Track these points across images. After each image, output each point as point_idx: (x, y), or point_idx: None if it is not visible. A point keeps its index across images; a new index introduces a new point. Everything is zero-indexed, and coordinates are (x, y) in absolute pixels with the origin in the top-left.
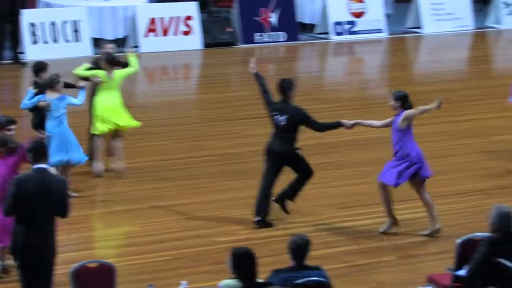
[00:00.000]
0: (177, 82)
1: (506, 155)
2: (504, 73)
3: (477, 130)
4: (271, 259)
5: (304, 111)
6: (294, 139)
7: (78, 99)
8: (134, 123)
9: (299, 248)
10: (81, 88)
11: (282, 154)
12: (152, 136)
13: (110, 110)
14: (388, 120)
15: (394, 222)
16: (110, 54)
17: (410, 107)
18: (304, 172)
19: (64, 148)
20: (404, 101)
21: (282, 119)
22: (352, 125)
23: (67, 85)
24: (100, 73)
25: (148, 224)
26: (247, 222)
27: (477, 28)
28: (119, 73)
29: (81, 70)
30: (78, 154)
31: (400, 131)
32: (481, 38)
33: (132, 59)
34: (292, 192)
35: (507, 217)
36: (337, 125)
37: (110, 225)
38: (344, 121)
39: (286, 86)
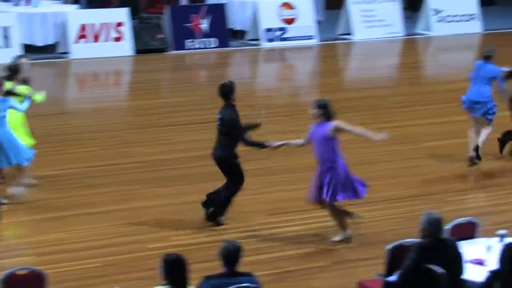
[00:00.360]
0: (108, 88)
1: (436, 161)
2: (434, 80)
3: (407, 137)
4: (202, 265)
5: (235, 118)
6: (229, 144)
7: (23, 105)
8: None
9: (231, 255)
10: (28, 96)
11: (216, 159)
12: (82, 142)
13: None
14: (307, 134)
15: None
16: (12, 67)
17: (332, 115)
18: (231, 183)
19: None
20: (326, 109)
21: (218, 120)
22: (278, 146)
23: (10, 93)
24: (23, 89)
25: (77, 231)
26: (178, 228)
27: (407, 35)
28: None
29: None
30: (19, 156)
31: (329, 140)
32: (411, 45)
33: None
34: (217, 201)
35: (437, 223)
36: (261, 145)
37: (39, 232)
38: (270, 142)
39: (225, 91)
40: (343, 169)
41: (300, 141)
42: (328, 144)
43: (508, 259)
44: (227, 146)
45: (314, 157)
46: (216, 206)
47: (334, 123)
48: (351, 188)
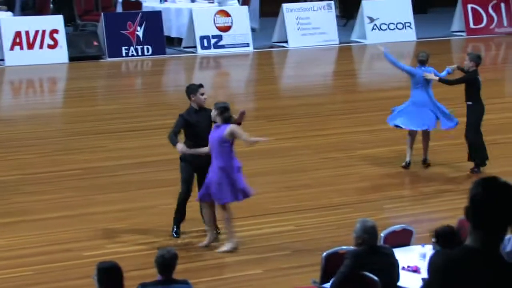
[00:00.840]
0: (43, 95)
1: (371, 168)
2: (368, 88)
3: (342, 144)
4: (138, 273)
5: (180, 114)
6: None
7: None
8: None
9: (166, 262)
10: None
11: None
12: (17, 149)
13: None
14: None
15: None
16: None
17: (228, 119)
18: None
19: None
20: (222, 112)
21: None
22: (187, 152)
23: None
24: None
25: (12, 238)
26: (114, 236)
27: (342, 43)
28: None
29: None
30: None
31: (224, 142)
32: (346, 53)
33: None
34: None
35: (372, 230)
36: (174, 143)
37: None
38: (180, 145)
39: (186, 91)
40: (236, 172)
41: (206, 149)
42: (223, 147)
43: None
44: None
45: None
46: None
47: (230, 126)
48: (235, 192)
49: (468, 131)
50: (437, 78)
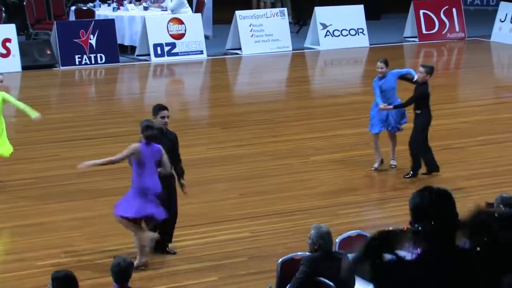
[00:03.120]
0: None
1: (325, 174)
2: (322, 94)
3: (297, 150)
4: (92, 281)
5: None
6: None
7: None
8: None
9: (122, 270)
10: None
11: None
12: None
13: None
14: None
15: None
16: None
17: (150, 137)
18: None
19: None
20: (143, 131)
21: None
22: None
23: None
24: None
25: None
26: (68, 245)
27: (296, 49)
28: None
29: None
30: None
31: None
32: (299, 59)
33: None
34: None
35: (326, 236)
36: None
37: None
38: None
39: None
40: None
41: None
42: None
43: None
44: None
45: None
46: None
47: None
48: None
49: (413, 139)
50: (391, 107)
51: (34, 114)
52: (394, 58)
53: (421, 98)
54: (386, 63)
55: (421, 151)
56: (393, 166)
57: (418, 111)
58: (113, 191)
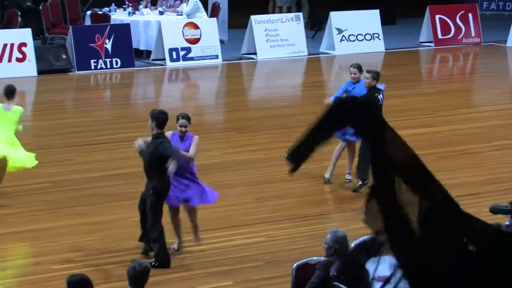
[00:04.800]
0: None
1: (341, 179)
2: None
3: (312, 155)
4: (107, 285)
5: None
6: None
7: None
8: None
9: (138, 275)
10: None
11: None
12: None
13: None
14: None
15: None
16: (11, 86)
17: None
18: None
19: None
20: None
21: None
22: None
23: None
24: None
25: None
26: (83, 249)
27: (311, 54)
28: (18, 109)
29: None
30: None
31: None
32: (314, 64)
33: None
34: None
35: (342, 240)
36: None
37: None
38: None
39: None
40: None
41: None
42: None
43: None
44: None
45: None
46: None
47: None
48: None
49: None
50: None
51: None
52: (409, 63)
53: None
54: (359, 68)
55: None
56: (347, 180)
57: None
58: (128, 195)
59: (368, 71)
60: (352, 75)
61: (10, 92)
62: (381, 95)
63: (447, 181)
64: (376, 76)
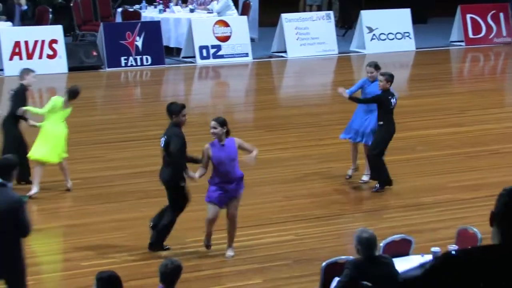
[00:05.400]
0: (42, 105)
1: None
2: None
3: (341, 154)
4: (136, 282)
5: (175, 135)
6: (172, 164)
7: None
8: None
9: (170, 273)
10: None
11: (161, 180)
12: None
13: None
14: (206, 153)
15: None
16: (78, 90)
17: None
18: (172, 207)
19: None
20: (227, 127)
21: (162, 141)
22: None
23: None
24: (58, 100)
25: None
26: (112, 245)
27: (341, 53)
28: (69, 110)
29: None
30: None
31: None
32: (345, 62)
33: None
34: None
35: (365, 241)
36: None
37: None
38: (192, 174)
39: (169, 110)
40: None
41: (203, 170)
42: (236, 160)
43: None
44: (169, 166)
45: (222, 174)
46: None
47: (236, 139)
48: None
49: (372, 149)
50: (347, 96)
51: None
52: (440, 62)
53: (382, 106)
54: (376, 67)
55: (380, 161)
56: (361, 181)
57: (381, 123)
58: (157, 193)
59: (382, 74)
60: (369, 74)
61: (75, 94)
62: (394, 99)
63: (477, 181)
64: (390, 78)
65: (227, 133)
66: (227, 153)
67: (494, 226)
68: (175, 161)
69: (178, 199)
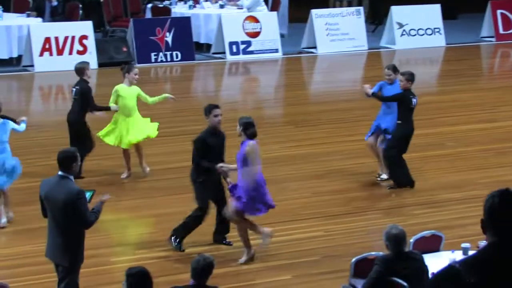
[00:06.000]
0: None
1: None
2: None
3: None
4: (166, 278)
5: (197, 138)
6: (196, 163)
7: (21, 126)
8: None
9: (201, 269)
10: (23, 120)
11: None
12: (47, 155)
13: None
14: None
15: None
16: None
17: (252, 135)
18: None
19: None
20: (245, 128)
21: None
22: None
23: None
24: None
25: (41, 244)
26: (141, 241)
27: (371, 48)
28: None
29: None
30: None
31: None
32: (375, 58)
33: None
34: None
35: (394, 238)
36: (211, 166)
37: (3, 245)
38: (220, 165)
39: (204, 110)
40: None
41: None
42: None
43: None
44: (194, 167)
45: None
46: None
47: (247, 146)
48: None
49: (389, 148)
50: (370, 92)
51: (163, 98)
52: (470, 58)
53: (400, 104)
54: (394, 69)
55: (396, 161)
56: (378, 179)
57: (399, 122)
58: (186, 189)
59: (402, 73)
60: (387, 77)
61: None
62: (415, 99)
63: (507, 177)
64: (410, 77)
65: (248, 136)
66: (238, 154)
67: (487, 233)
68: (194, 160)
69: (197, 196)
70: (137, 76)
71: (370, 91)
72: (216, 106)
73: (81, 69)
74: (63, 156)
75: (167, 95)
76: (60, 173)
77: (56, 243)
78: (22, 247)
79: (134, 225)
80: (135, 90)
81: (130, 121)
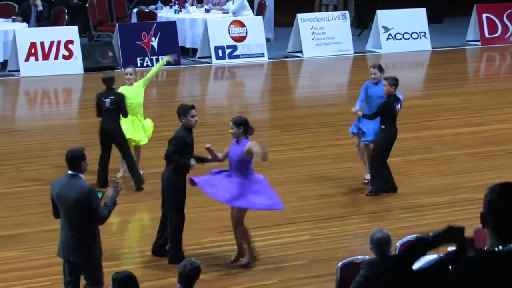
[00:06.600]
0: (58, 106)
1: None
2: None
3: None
4: (152, 283)
5: (175, 136)
6: (175, 162)
7: None
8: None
9: (186, 273)
10: None
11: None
12: (32, 160)
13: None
14: (225, 150)
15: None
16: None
17: (251, 133)
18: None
19: None
20: (246, 127)
21: None
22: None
23: None
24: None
25: (30, 249)
26: (127, 246)
27: (357, 53)
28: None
29: None
30: None
31: (244, 160)
32: (361, 62)
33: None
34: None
35: (377, 241)
36: (185, 163)
37: None
38: (192, 161)
39: (177, 111)
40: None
41: (219, 155)
42: (245, 163)
43: None
44: (170, 169)
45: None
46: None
47: (249, 142)
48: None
49: (374, 156)
50: (360, 115)
51: (164, 61)
52: (456, 62)
53: (386, 112)
54: (380, 68)
55: (380, 167)
56: (366, 181)
57: (383, 126)
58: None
59: (385, 78)
60: (373, 76)
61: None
62: (399, 105)
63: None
64: (394, 82)
65: (246, 133)
66: (236, 153)
67: (486, 227)
68: (170, 161)
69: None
70: (130, 76)
71: (360, 112)
72: (193, 107)
73: (113, 79)
74: (71, 155)
75: (166, 57)
76: (70, 172)
77: (70, 241)
78: (10, 252)
79: (120, 230)
80: (137, 86)
81: (135, 121)
